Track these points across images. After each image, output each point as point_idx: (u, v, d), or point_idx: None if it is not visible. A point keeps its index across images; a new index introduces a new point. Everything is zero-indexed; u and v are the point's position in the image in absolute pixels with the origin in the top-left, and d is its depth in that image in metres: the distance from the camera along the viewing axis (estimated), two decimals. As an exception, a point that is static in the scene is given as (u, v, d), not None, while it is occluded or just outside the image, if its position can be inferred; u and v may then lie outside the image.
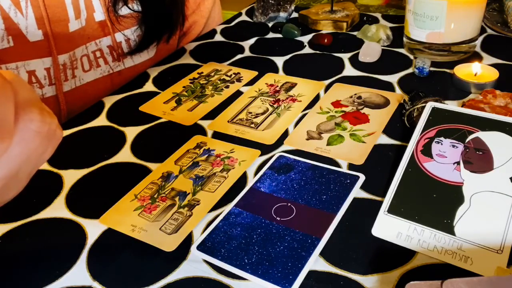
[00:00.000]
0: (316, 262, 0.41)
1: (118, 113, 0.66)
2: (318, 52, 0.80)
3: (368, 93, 0.65)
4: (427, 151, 0.48)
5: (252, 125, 0.61)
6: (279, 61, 0.77)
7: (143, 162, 0.56)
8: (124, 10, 0.73)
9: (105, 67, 0.75)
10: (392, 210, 0.44)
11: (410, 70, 0.71)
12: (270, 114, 0.63)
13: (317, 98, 0.66)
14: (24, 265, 0.43)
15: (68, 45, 0.68)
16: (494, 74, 0.64)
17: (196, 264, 0.42)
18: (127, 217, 0.47)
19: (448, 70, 0.69)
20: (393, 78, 0.69)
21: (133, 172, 0.54)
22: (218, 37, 0.88)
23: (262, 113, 0.63)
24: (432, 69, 0.69)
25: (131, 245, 0.44)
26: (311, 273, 0.40)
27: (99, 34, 0.72)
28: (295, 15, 0.94)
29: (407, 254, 0.41)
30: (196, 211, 0.47)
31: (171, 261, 0.42)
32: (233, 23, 0.94)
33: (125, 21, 0.74)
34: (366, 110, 0.61)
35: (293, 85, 0.69)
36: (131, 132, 0.61)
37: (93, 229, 0.47)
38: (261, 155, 0.55)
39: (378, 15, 0.92)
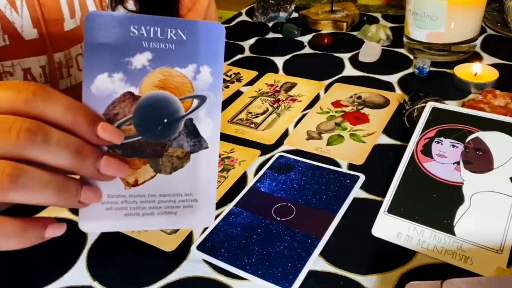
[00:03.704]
0: (316, 262, 0.41)
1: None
2: (318, 52, 0.80)
3: (368, 93, 0.65)
4: (427, 151, 0.48)
5: (252, 125, 0.61)
6: (279, 61, 0.77)
7: (143, 162, 0.55)
8: (120, 10, 0.74)
9: None
10: (392, 210, 0.44)
11: (410, 70, 0.71)
12: (270, 114, 0.63)
13: (317, 98, 0.66)
14: (24, 265, 0.43)
15: (63, 44, 0.69)
16: (494, 74, 0.64)
17: (196, 264, 0.42)
18: (127, 217, 0.47)
19: (448, 70, 0.69)
20: (393, 78, 0.69)
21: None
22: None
23: (262, 113, 0.63)
24: (432, 69, 0.69)
25: (131, 245, 0.44)
26: (311, 273, 0.40)
27: None
28: (295, 15, 0.94)
29: (407, 254, 0.41)
30: (196, 211, 0.47)
31: (171, 261, 0.42)
32: (233, 23, 0.94)
33: None
34: (366, 110, 0.61)
35: (293, 85, 0.69)
36: (131, 132, 0.61)
37: (93, 229, 0.47)
38: (261, 155, 0.55)
39: (378, 15, 0.92)
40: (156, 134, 0.35)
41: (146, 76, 0.34)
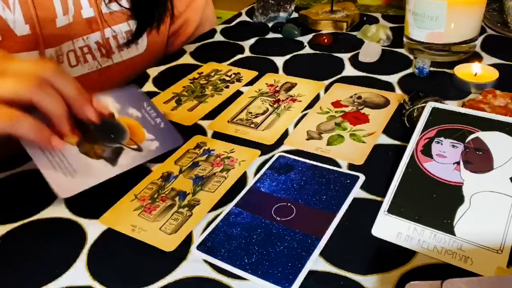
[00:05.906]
0: (316, 262, 0.41)
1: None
2: (318, 52, 0.80)
3: (368, 93, 0.65)
4: (427, 151, 0.48)
5: (252, 125, 0.61)
6: (279, 61, 0.77)
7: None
8: (113, 7, 0.75)
9: (93, 63, 0.76)
10: (392, 210, 0.44)
11: (410, 70, 0.71)
12: (270, 114, 0.63)
13: (317, 98, 0.66)
14: (24, 265, 0.43)
15: (55, 40, 0.70)
16: (494, 74, 0.64)
17: (196, 264, 0.42)
18: (127, 217, 0.47)
19: (448, 70, 0.69)
20: (393, 78, 0.69)
21: (133, 172, 0.54)
22: (218, 37, 0.88)
23: (262, 113, 0.63)
24: (432, 69, 0.69)
25: (131, 245, 0.44)
26: (311, 273, 0.40)
27: (86, 31, 0.73)
28: (295, 15, 0.94)
29: (407, 254, 0.41)
30: (196, 211, 0.47)
31: (171, 261, 0.42)
32: (233, 23, 0.94)
33: (113, 17, 0.75)
34: (366, 110, 0.61)
35: (293, 85, 0.69)
36: (131, 132, 0.61)
37: (93, 229, 0.47)
38: (261, 155, 0.55)
39: (378, 15, 0.92)
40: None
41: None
